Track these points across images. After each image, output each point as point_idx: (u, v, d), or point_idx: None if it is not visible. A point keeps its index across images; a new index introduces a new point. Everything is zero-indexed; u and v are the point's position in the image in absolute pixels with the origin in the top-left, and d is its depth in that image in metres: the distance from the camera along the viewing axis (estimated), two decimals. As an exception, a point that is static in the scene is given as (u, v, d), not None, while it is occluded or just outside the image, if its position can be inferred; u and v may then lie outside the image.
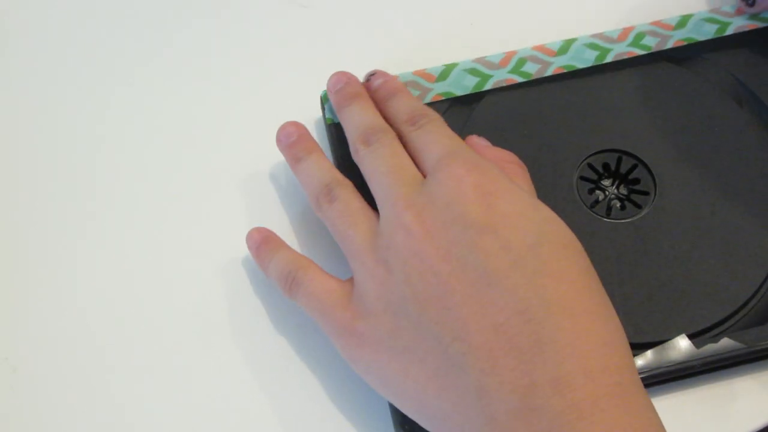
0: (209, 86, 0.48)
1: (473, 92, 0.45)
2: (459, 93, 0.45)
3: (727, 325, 0.40)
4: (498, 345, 0.33)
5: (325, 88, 0.45)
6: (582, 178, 0.43)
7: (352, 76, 0.43)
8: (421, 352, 0.34)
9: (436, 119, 0.40)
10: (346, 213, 0.38)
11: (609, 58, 0.46)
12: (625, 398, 0.32)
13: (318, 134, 0.46)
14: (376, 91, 0.43)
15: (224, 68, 0.49)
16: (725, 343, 0.38)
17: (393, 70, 0.44)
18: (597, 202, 0.43)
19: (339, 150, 0.44)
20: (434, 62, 0.46)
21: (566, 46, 0.46)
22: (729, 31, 0.46)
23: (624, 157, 0.43)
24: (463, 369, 0.33)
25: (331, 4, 0.51)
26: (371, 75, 0.43)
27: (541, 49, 0.46)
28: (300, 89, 0.46)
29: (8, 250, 0.44)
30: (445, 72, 0.46)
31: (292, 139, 0.42)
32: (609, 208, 0.42)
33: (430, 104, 0.45)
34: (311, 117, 0.46)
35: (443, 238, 0.35)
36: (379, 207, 0.38)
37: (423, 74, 0.46)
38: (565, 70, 0.45)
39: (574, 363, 0.32)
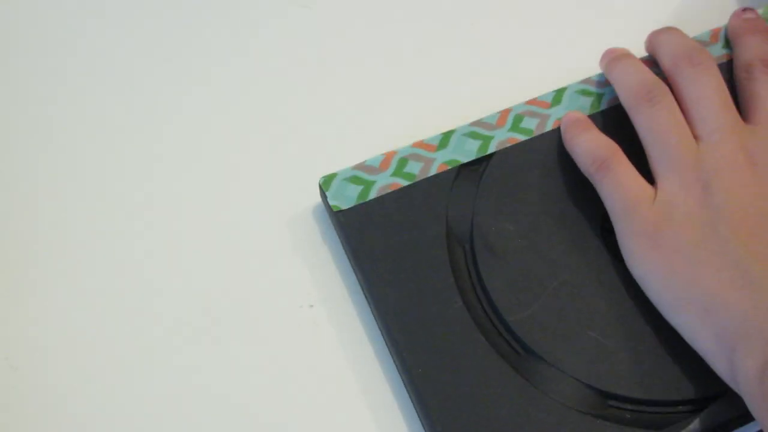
0: (209, 86, 0.48)
1: (479, 156, 0.43)
2: (464, 159, 0.43)
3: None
4: None
5: (323, 173, 0.43)
6: (607, 230, 0.42)
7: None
8: (719, 265, 0.37)
9: None
10: (671, 120, 0.41)
11: (603, 104, 0.45)
12: None
13: (318, 223, 0.44)
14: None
15: (225, 68, 0.48)
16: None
17: (394, 71, 0.45)
18: (627, 252, 0.42)
19: (352, 241, 0.41)
20: (435, 60, 0.47)
21: (558, 96, 0.45)
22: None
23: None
24: (764, 285, 0.36)
25: (332, 4, 0.50)
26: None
27: (534, 103, 0.45)
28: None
29: (8, 250, 0.43)
30: (445, 140, 0.44)
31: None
32: (640, 257, 0.41)
33: (437, 175, 0.43)
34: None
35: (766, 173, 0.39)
36: (701, 131, 0.40)
37: (423, 145, 0.44)
38: (565, 121, 0.44)
39: None
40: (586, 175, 0.42)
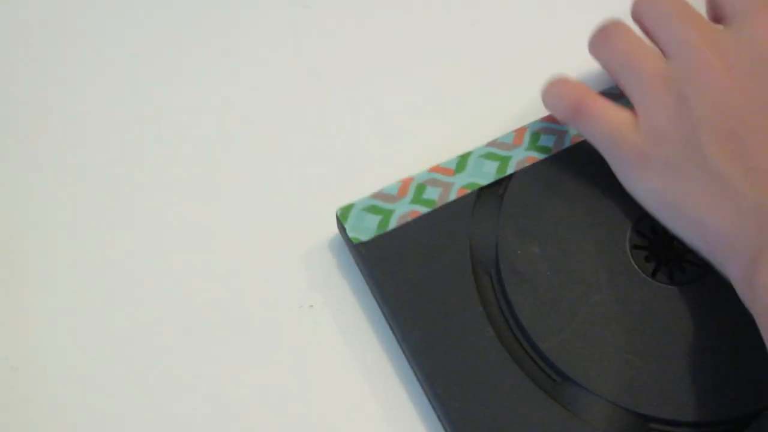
0: (208, 85, 0.47)
1: (498, 178, 0.42)
2: (484, 182, 0.42)
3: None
4: None
5: (339, 204, 0.41)
6: (635, 247, 0.41)
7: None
8: (707, 177, 0.37)
9: None
10: (630, 44, 0.41)
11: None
12: None
13: (336, 256, 0.42)
14: None
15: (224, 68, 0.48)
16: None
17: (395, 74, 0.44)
18: (657, 269, 0.40)
19: (375, 274, 0.40)
20: (436, 53, 0.47)
21: (573, 111, 0.44)
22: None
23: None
24: (745, 191, 0.36)
25: (332, 3, 0.49)
26: None
27: (550, 119, 0.44)
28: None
29: (8, 250, 0.43)
30: (462, 163, 0.43)
31: None
32: (671, 274, 0.40)
33: (457, 200, 0.42)
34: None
35: (747, 77, 0.38)
36: (670, 50, 0.40)
37: (439, 170, 0.42)
38: (582, 138, 0.43)
39: None
40: (565, 123, 0.42)
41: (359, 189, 0.42)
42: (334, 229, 0.42)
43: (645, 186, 0.39)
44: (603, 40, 0.42)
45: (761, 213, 0.36)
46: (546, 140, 0.43)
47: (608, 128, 0.40)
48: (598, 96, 0.42)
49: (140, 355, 0.41)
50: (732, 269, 0.37)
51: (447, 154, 0.43)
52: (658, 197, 0.39)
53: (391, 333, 0.40)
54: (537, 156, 0.43)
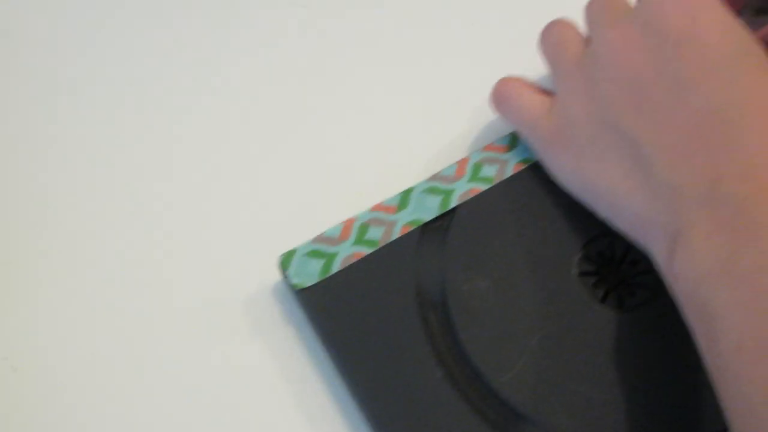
0: (207, 84, 0.47)
1: (442, 212, 0.41)
2: (427, 218, 0.41)
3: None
4: (690, 144, 0.35)
5: (283, 249, 0.40)
6: (583, 273, 0.40)
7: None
8: (618, 155, 0.38)
9: None
10: (557, 41, 0.42)
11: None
12: None
13: (280, 301, 0.42)
14: None
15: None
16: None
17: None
18: (606, 295, 0.40)
19: (319, 320, 0.39)
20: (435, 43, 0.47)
21: (514, 139, 0.43)
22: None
23: (615, 241, 0.40)
24: (655, 167, 0.36)
25: (332, 3, 0.49)
26: None
27: (491, 149, 0.43)
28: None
29: (8, 250, 0.43)
30: (404, 199, 0.42)
31: None
32: (620, 299, 0.40)
33: (400, 238, 0.41)
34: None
35: (644, 49, 0.37)
36: (589, 37, 0.41)
37: (381, 208, 0.42)
38: (525, 166, 0.42)
39: (764, 157, 0.34)
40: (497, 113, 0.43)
41: (304, 232, 0.41)
42: (277, 275, 0.42)
43: (562, 169, 0.40)
44: (542, 37, 0.43)
45: (675, 195, 0.35)
46: (488, 170, 0.42)
47: (524, 113, 0.42)
48: (520, 83, 0.43)
49: (140, 355, 0.41)
50: (654, 252, 0.37)
51: (392, 188, 0.43)
52: (575, 180, 0.40)
53: (339, 379, 0.40)
54: (480, 187, 0.42)
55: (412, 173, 0.43)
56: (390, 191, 0.42)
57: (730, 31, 0.37)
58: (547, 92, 0.42)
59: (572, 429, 0.37)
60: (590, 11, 0.42)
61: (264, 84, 0.48)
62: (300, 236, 0.41)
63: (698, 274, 0.34)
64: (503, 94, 0.43)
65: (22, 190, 0.45)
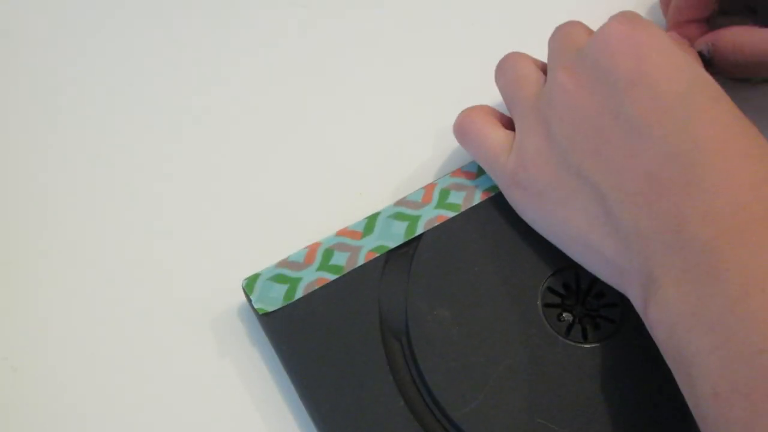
0: (207, 84, 0.48)
1: (407, 239, 0.41)
2: (393, 244, 0.41)
3: None
4: (652, 190, 0.35)
5: (246, 274, 0.40)
6: (547, 305, 0.40)
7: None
8: (582, 201, 0.37)
9: None
10: (514, 79, 0.41)
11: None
12: None
13: (246, 324, 0.41)
14: None
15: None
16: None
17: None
18: (571, 327, 0.40)
19: (281, 345, 0.39)
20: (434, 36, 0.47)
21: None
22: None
23: (581, 272, 0.40)
24: (621, 216, 0.36)
25: (332, 3, 0.49)
26: None
27: (459, 174, 0.43)
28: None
29: (8, 250, 0.43)
30: (370, 224, 0.42)
31: None
32: (584, 331, 0.40)
33: (365, 264, 0.41)
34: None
35: (596, 92, 0.37)
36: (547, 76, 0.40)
37: (347, 233, 0.41)
38: (493, 193, 0.42)
39: (725, 198, 0.34)
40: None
41: (269, 255, 0.41)
42: (243, 298, 0.41)
43: (525, 210, 0.40)
44: (497, 73, 0.43)
45: (643, 242, 0.35)
46: (455, 197, 0.42)
47: (485, 150, 0.41)
48: (483, 115, 0.42)
49: (140, 355, 0.41)
50: (630, 297, 0.37)
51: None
52: (541, 222, 0.40)
53: (301, 404, 0.39)
54: (446, 214, 0.42)
55: (413, 173, 0.44)
56: (390, 192, 0.44)
57: (680, 69, 0.37)
58: (512, 124, 0.42)
59: (532, 462, 0.37)
60: (551, 45, 0.42)
61: (264, 84, 0.47)
62: (268, 258, 0.41)
63: (672, 322, 0.34)
64: (464, 128, 0.42)
65: (22, 190, 0.45)
